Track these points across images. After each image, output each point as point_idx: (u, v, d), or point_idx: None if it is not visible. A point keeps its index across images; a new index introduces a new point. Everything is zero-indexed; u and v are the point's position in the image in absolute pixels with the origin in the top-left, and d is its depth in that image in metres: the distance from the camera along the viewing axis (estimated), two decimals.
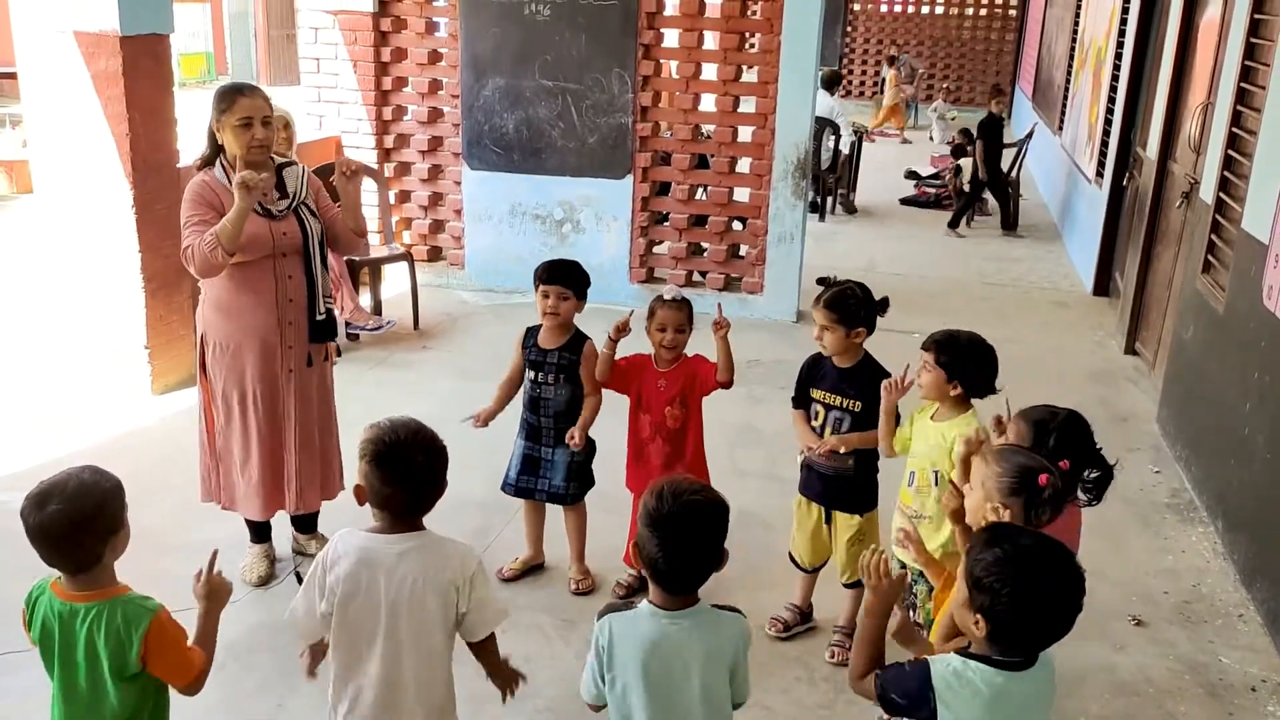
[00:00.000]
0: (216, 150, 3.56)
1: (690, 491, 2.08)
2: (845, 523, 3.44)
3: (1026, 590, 1.87)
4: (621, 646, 2.09)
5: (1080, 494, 2.73)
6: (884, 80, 17.29)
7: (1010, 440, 2.74)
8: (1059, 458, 2.58)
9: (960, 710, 1.93)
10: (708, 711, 2.14)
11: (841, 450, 3.28)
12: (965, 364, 3.01)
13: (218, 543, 3.86)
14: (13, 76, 5.94)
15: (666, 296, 3.55)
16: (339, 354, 4.16)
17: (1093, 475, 2.71)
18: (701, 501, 2.07)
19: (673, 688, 2.08)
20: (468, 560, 2.32)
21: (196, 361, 3.71)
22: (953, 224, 10.14)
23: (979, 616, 1.91)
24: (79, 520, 2.10)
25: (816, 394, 3.39)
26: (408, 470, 2.24)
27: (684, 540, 2.04)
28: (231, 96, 3.49)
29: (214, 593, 2.33)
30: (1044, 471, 2.29)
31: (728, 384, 3.51)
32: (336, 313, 6.14)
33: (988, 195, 10.44)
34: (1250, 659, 3.60)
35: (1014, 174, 10.43)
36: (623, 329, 3.55)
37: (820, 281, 3.41)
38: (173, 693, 2.30)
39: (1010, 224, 10.15)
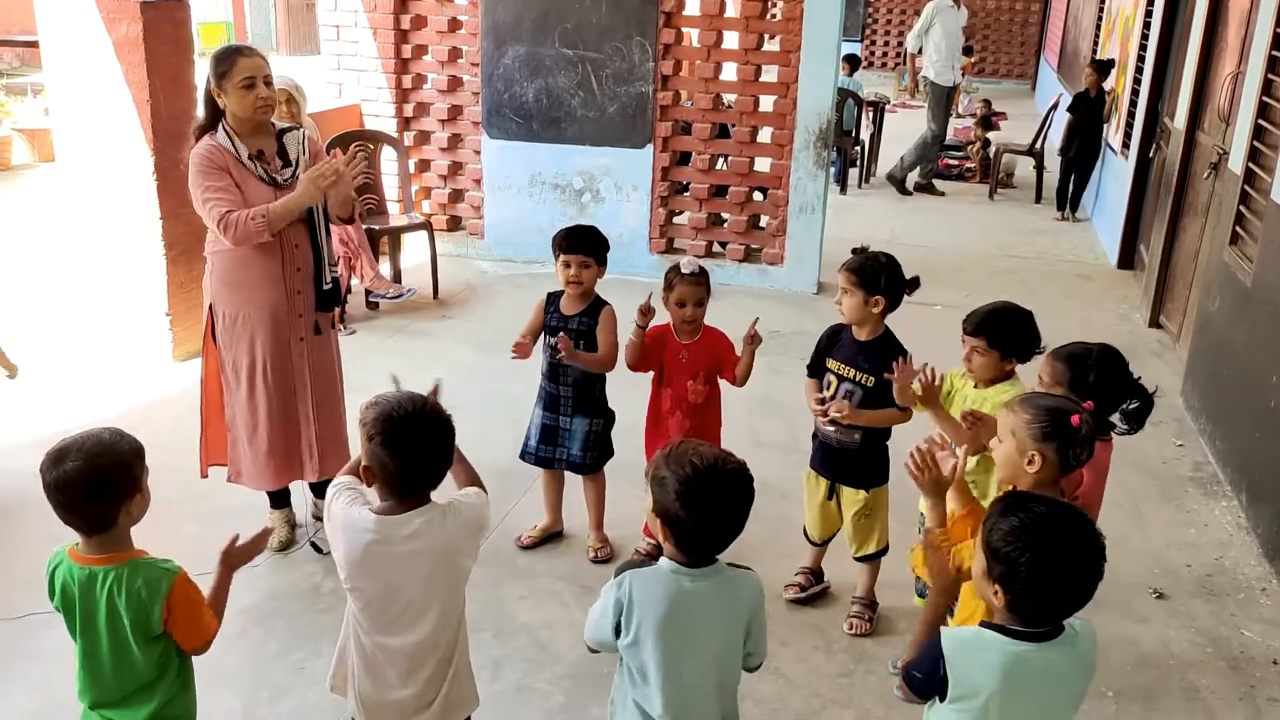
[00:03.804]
0: (215, 115, 3.49)
1: (727, 460, 2.06)
2: (851, 497, 3.42)
3: (1045, 558, 1.84)
4: (641, 603, 2.08)
5: (1121, 424, 2.69)
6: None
7: (1045, 378, 2.70)
8: (1099, 393, 2.54)
9: (972, 678, 1.90)
10: (719, 671, 2.14)
11: (843, 416, 3.20)
12: (1016, 338, 2.96)
13: (237, 508, 3.95)
14: (34, 44, 5.95)
15: (684, 270, 3.48)
16: (343, 318, 4.13)
17: (1133, 405, 2.66)
18: (739, 471, 2.05)
19: (688, 645, 2.09)
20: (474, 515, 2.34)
21: (204, 332, 3.68)
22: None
23: (997, 586, 1.89)
24: (94, 478, 2.09)
25: (832, 364, 3.36)
26: (413, 447, 2.21)
27: (725, 510, 2.03)
28: (231, 58, 3.41)
29: (236, 559, 2.34)
30: (1074, 412, 2.26)
31: (740, 385, 3.56)
32: (356, 282, 6.18)
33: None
34: (1273, 632, 3.58)
35: (1038, 146, 10.31)
36: (647, 312, 3.51)
37: (854, 251, 3.37)
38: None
39: (1069, 204, 9.56)
